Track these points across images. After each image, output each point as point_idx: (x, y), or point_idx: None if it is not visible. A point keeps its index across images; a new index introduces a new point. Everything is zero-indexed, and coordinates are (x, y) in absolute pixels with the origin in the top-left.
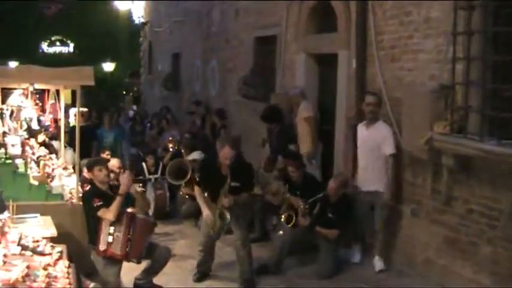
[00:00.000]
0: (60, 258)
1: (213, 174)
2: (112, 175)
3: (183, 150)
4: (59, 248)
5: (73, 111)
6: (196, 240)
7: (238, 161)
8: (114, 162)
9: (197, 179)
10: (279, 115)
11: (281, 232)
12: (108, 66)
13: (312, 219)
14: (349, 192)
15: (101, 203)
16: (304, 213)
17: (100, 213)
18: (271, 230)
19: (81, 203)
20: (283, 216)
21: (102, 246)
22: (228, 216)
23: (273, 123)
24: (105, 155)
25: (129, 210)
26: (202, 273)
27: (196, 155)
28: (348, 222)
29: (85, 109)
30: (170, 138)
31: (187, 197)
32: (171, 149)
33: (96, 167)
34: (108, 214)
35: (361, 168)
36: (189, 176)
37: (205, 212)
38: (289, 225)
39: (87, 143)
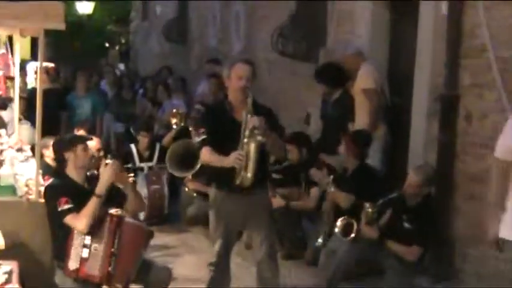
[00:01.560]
0: (8, 281)
1: (223, 122)
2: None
3: (191, 128)
4: (8, 266)
5: (33, 67)
6: (209, 256)
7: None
8: (92, 143)
9: (202, 138)
10: (343, 76)
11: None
12: (85, 7)
13: (381, 229)
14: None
15: (70, 205)
16: (371, 220)
17: (68, 220)
18: (316, 245)
19: (42, 199)
20: (338, 223)
21: (73, 264)
22: (260, 137)
23: (334, 86)
24: (79, 132)
25: (114, 211)
26: None
27: None
28: (430, 237)
29: (50, 64)
30: (174, 111)
31: (195, 194)
32: (174, 126)
33: (80, 146)
34: (78, 222)
35: None
36: (199, 165)
37: (227, 160)
38: (347, 238)
39: (53, 114)
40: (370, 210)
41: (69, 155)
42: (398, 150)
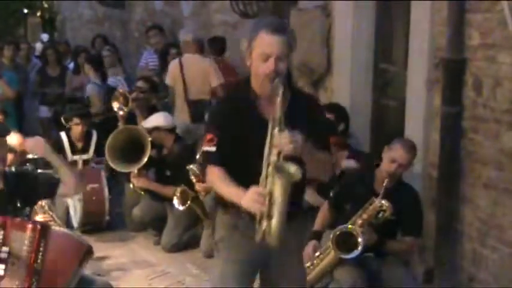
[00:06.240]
0: None
1: (244, 121)
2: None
3: (136, 112)
4: None
5: None
6: (158, 267)
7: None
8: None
9: (207, 150)
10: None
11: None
12: None
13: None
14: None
15: None
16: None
17: None
18: None
19: None
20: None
21: None
22: (293, 168)
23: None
24: None
25: (40, 217)
26: None
27: (159, 119)
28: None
29: None
30: (116, 92)
31: (142, 193)
32: (115, 109)
33: None
34: None
35: None
36: (146, 158)
37: (242, 199)
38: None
39: None
40: (376, 204)
41: None
42: (390, 130)
